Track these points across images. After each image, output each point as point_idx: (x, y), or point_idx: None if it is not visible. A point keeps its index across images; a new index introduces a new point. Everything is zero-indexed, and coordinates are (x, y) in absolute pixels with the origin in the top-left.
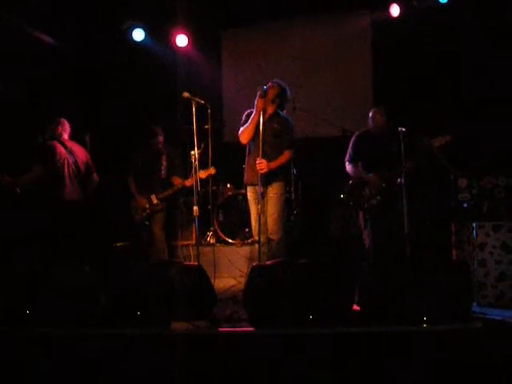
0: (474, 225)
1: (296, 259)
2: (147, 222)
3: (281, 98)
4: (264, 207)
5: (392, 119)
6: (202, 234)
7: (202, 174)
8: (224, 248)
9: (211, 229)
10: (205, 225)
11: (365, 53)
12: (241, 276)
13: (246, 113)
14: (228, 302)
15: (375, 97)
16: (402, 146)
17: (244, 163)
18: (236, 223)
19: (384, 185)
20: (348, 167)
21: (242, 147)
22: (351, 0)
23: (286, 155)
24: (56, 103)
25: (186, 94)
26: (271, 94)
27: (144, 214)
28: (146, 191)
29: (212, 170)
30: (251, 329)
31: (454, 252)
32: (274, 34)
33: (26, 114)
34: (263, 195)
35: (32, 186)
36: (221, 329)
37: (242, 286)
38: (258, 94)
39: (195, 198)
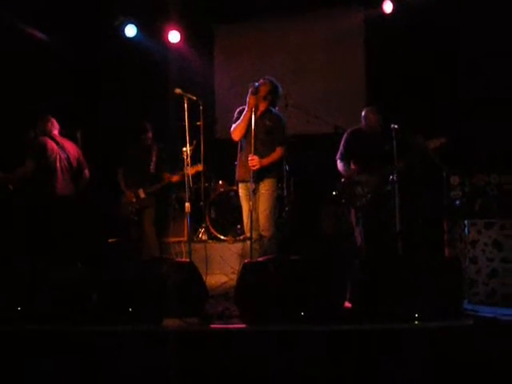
0: (465, 222)
1: (288, 256)
2: (135, 218)
3: (273, 95)
4: (256, 204)
5: (385, 118)
6: (194, 231)
7: (190, 170)
8: (216, 245)
9: (203, 225)
10: (197, 221)
11: (358, 49)
12: (232, 273)
13: (237, 110)
14: (220, 298)
15: (368, 94)
16: (395, 143)
17: (236, 160)
18: (228, 220)
19: (376, 183)
20: (339, 165)
21: (234, 144)
22: None
23: (277, 152)
24: (47, 99)
25: (178, 91)
26: (263, 90)
27: (132, 208)
28: (135, 185)
29: (200, 167)
30: (243, 325)
31: (446, 249)
32: (266, 30)
33: (16, 109)
34: (255, 192)
35: (24, 182)
36: (212, 325)
37: (233, 283)
38: (250, 90)
39: (187, 194)
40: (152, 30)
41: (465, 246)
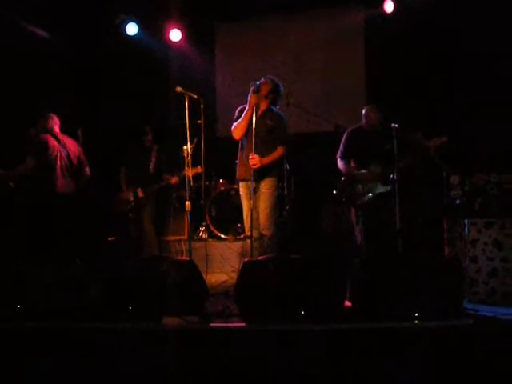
0: (465, 221)
1: (288, 255)
2: (130, 214)
3: (274, 94)
4: (256, 203)
5: (385, 117)
6: (194, 229)
7: (189, 172)
8: (216, 243)
9: (203, 224)
10: (197, 220)
11: (358, 49)
12: (233, 271)
13: (239, 108)
14: (220, 297)
15: (368, 93)
16: (395, 142)
17: (237, 158)
18: (228, 218)
19: (376, 182)
20: (339, 164)
21: (234, 142)
22: None
23: (278, 151)
24: (48, 97)
25: (179, 89)
26: (264, 89)
27: (128, 206)
28: (134, 185)
29: (199, 169)
30: (243, 324)
31: (446, 248)
32: (267, 29)
33: (17, 107)
34: (255, 191)
35: (25, 179)
36: (212, 324)
37: (233, 282)
38: (251, 89)
39: (187, 193)
40: (153, 29)
41: (465, 245)
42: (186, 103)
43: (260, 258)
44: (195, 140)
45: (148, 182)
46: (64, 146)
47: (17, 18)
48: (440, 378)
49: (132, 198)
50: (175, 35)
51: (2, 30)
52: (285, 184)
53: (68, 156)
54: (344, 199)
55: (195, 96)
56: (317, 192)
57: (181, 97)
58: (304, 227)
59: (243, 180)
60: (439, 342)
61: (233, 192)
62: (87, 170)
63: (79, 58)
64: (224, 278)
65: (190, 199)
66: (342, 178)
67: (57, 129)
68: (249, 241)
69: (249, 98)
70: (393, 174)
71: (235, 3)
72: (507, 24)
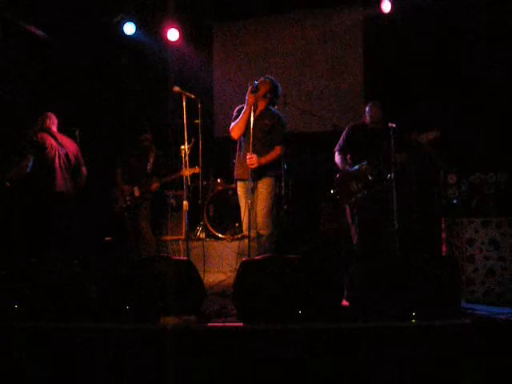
0: (463, 221)
1: (285, 254)
2: (127, 214)
3: (272, 94)
4: (254, 202)
5: (386, 115)
6: (192, 229)
7: (187, 172)
8: (214, 243)
9: (201, 223)
10: (195, 219)
11: (356, 48)
12: (230, 271)
13: (237, 108)
14: (217, 296)
15: (366, 93)
16: (392, 142)
17: (234, 158)
18: (226, 218)
19: (371, 178)
20: (337, 157)
21: (232, 142)
22: None
23: (276, 151)
24: (45, 97)
25: (176, 89)
26: (262, 89)
27: (124, 205)
28: (130, 184)
29: (197, 169)
30: (240, 324)
31: (443, 248)
32: (265, 28)
33: (14, 107)
34: (253, 190)
35: (23, 178)
36: (210, 323)
37: (231, 281)
38: (249, 89)
39: (185, 192)
40: (151, 28)
41: (462, 244)
42: (184, 103)
43: (258, 257)
44: (193, 140)
45: (145, 182)
46: (62, 144)
47: (15, 18)
48: (437, 378)
49: (128, 197)
50: (173, 35)
51: (1, 30)
52: (282, 184)
53: (66, 155)
54: (338, 196)
55: (193, 96)
56: (314, 192)
57: (178, 96)
58: (302, 227)
59: (241, 179)
60: (436, 341)
61: (230, 191)
62: (84, 169)
63: (77, 58)
64: (222, 277)
65: (188, 199)
66: (337, 175)
67: (54, 128)
68: (246, 240)
69: (247, 97)
70: (390, 172)
71: (233, 3)
72: (507, 24)
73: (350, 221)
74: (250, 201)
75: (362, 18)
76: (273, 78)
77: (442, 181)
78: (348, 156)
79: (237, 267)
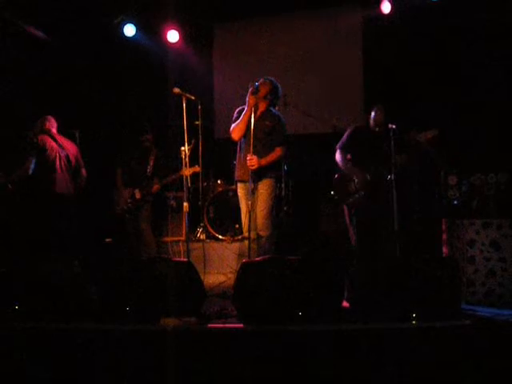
0: (463, 222)
1: (285, 255)
2: (128, 215)
3: (272, 95)
4: (254, 204)
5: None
6: (192, 230)
7: (187, 172)
8: (214, 244)
9: (201, 225)
10: (195, 221)
11: (356, 50)
12: (231, 272)
13: (237, 109)
14: (217, 298)
15: (366, 93)
16: (392, 142)
17: (235, 159)
18: (226, 219)
19: (369, 179)
20: (338, 155)
21: (232, 143)
22: None
23: (277, 152)
24: (45, 99)
25: (176, 90)
26: (263, 90)
27: (125, 207)
28: (131, 186)
29: (197, 168)
30: (240, 325)
31: (443, 249)
32: (265, 29)
33: (13, 109)
34: (253, 192)
35: (24, 181)
36: (210, 325)
37: (231, 282)
38: (250, 90)
39: (185, 193)
40: (151, 30)
41: (462, 245)
42: (184, 104)
43: (258, 259)
44: (193, 141)
45: (145, 183)
46: (62, 146)
47: (15, 19)
48: (437, 379)
49: (129, 200)
50: (173, 36)
51: (0, 31)
52: (283, 185)
53: (67, 157)
54: (336, 197)
55: (193, 97)
56: (314, 193)
57: (178, 98)
58: (302, 228)
59: (241, 181)
60: (437, 342)
61: (231, 193)
62: (83, 171)
63: (77, 60)
64: (222, 278)
65: (188, 200)
66: (336, 176)
67: (54, 130)
68: (247, 242)
69: (247, 99)
70: (390, 174)
71: (233, 4)
72: (507, 24)
73: (348, 221)
74: (250, 202)
75: (362, 18)
76: (273, 78)
77: (443, 182)
78: (348, 156)
79: (237, 268)
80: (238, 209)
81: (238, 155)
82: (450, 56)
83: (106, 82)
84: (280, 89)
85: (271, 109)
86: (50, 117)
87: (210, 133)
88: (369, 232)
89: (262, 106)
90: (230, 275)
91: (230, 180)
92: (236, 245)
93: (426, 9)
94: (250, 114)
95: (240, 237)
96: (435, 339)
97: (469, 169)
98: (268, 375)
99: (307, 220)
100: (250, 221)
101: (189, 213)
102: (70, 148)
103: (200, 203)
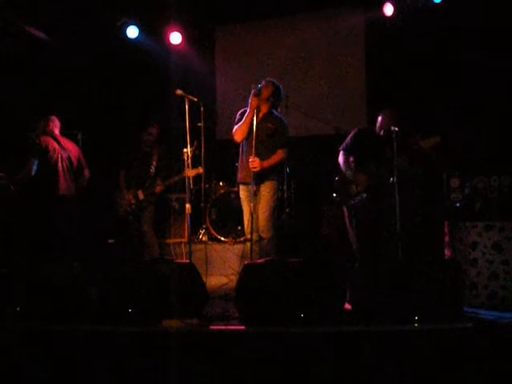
0: (466, 224)
1: (288, 258)
2: (131, 217)
3: (275, 97)
4: (256, 206)
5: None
6: (194, 232)
7: (190, 173)
8: (216, 246)
9: (203, 226)
10: (197, 222)
11: (358, 51)
12: (233, 274)
13: (240, 111)
14: (220, 300)
15: (368, 95)
16: (395, 145)
17: (237, 161)
18: (228, 221)
19: (371, 182)
20: (340, 157)
21: (234, 145)
22: None
23: (279, 154)
24: (48, 100)
25: (179, 92)
26: (265, 92)
27: (129, 208)
28: (134, 187)
29: (200, 170)
30: (242, 327)
31: (446, 251)
32: (267, 31)
33: (18, 110)
34: (256, 194)
35: (26, 182)
36: (212, 327)
37: (233, 284)
38: (252, 92)
39: (187, 195)
40: (153, 32)
41: (465, 248)
42: (186, 106)
43: (260, 261)
44: (195, 143)
45: (148, 184)
46: (64, 148)
47: (17, 20)
48: (439, 381)
49: (133, 201)
50: (175, 38)
51: (2, 31)
52: (285, 187)
53: (69, 158)
54: (338, 198)
55: (195, 99)
56: (316, 195)
57: (181, 100)
58: (304, 230)
59: (244, 183)
60: (439, 345)
61: (233, 195)
62: (86, 172)
63: (80, 62)
64: (224, 280)
65: (190, 202)
66: (337, 178)
67: (57, 131)
68: (249, 243)
69: (250, 101)
70: (392, 176)
71: (235, 6)
72: (507, 25)
73: (347, 224)
74: (252, 204)
75: (364, 21)
76: (275, 80)
77: (445, 184)
78: (351, 159)
79: (239, 270)
80: (240, 211)
81: (240, 157)
82: (452, 58)
83: (109, 84)
84: (282, 90)
85: (273, 111)
86: (53, 117)
87: (212, 134)
88: (369, 234)
89: (264, 108)
90: (232, 277)
91: (232, 182)
92: (238, 247)
93: (429, 11)
94: (253, 116)
95: (242, 239)
96: (437, 342)
97: (471, 171)
98: (270, 377)
99: (309, 222)
100: (252, 223)
101: (191, 214)
102: (72, 149)
103: (202, 205)
